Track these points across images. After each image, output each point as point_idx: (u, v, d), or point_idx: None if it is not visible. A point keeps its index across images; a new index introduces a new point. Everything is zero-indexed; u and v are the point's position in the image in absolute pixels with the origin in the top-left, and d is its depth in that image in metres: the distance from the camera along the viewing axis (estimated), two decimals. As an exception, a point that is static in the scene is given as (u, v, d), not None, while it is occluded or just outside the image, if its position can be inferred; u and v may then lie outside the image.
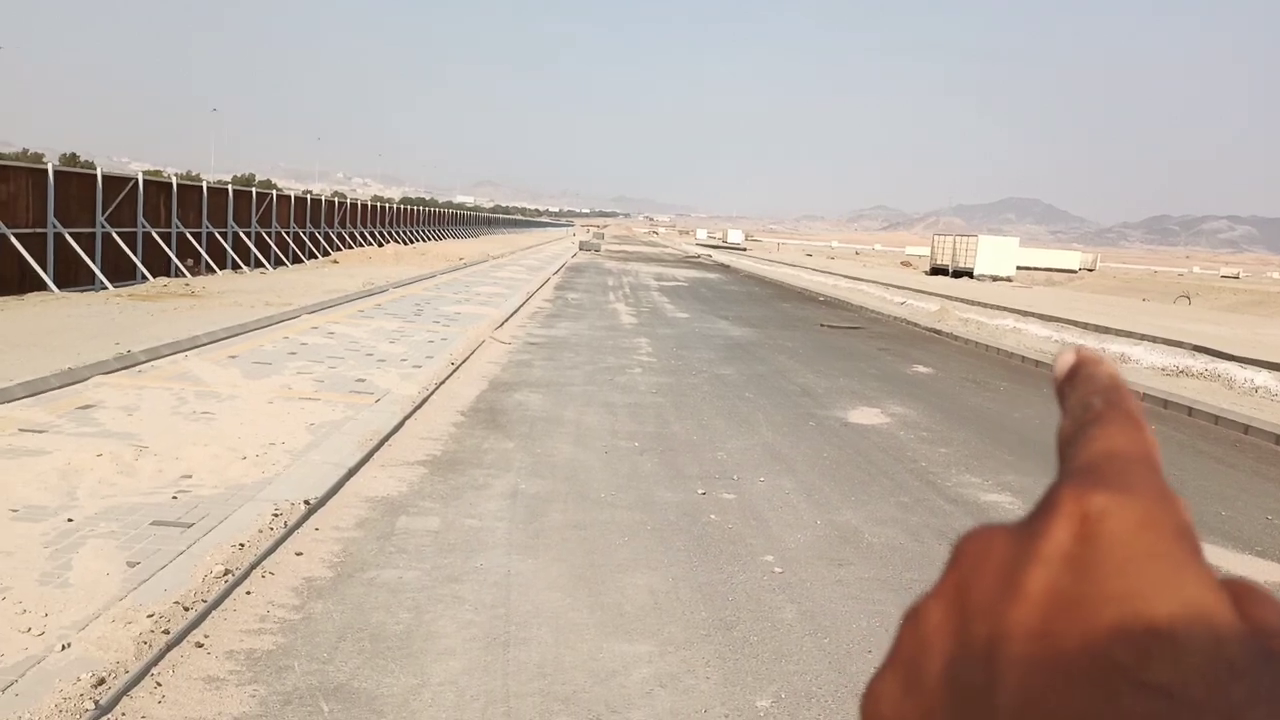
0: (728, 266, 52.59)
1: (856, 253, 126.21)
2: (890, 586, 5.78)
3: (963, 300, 30.15)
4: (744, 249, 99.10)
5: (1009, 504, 7.80)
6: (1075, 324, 23.37)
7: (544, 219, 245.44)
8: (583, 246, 64.22)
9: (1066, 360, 0.33)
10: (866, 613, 5.35)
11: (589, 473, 7.83)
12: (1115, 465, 0.29)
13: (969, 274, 52.18)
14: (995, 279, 50.56)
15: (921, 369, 15.59)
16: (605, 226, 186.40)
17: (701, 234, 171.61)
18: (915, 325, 23.25)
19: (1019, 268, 54.94)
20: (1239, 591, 0.28)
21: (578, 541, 6.19)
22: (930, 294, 32.60)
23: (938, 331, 21.88)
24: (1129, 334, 20.96)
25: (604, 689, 4.31)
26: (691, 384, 12.50)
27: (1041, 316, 24.85)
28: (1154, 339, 19.84)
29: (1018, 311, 26.18)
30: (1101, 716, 0.24)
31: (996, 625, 0.27)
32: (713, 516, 6.87)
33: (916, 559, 6.30)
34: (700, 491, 7.47)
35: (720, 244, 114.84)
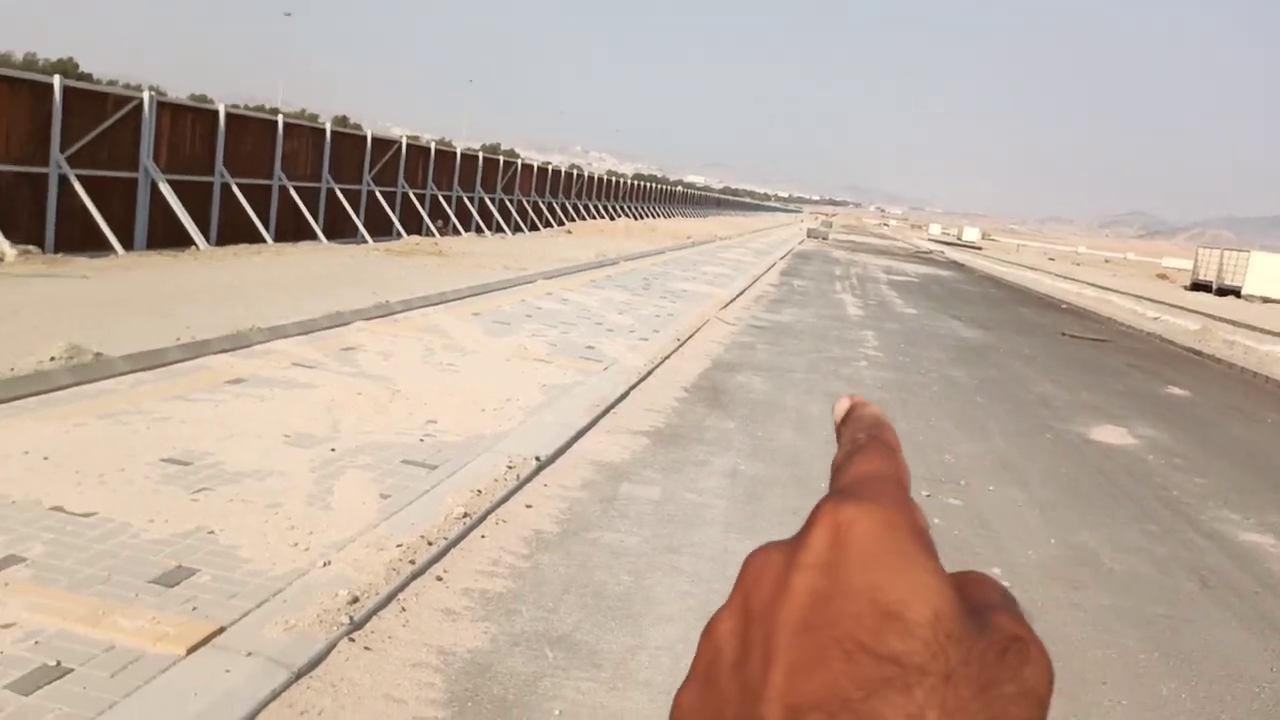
0: (961, 265, 50.42)
1: (1106, 260, 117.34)
2: (1131, 619, 5.38)
3: (1227, 321, 27.51)
4: (979, 248, 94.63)
5: (1272, 546, 7.07)
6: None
7: (772, 203, 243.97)
8: (810, 234, 63.39)
9: (844, 404, 0.40)
10: (1102, 642, 5.01)
11: (810, 461, 7.75)
12: (866, 484, 0.34)
13: (1235, 293, 47.39)
14: (1266, 300, 45.65)
15: (1176, 390, 14.36)
16: (834, 215, 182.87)
17: (935, 229, 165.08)
18: (1171, 343, 21.42)
19: (1296, 290, 49.24)
20: (965, 580, 0.34)
21: (797, 528, 6.13)
22: (1189, 311, 30.00)
23: (1197, 352, 20.06)
24: None
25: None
26: (919, 383, 12.09)
27: (1322, 346, 22.27)
28: None
29: (1293, 338, 23.60)
30: (848, 685, 0.29)
31: (770, 624, 0.32)
32: (937, 521, 6.62)
33: (1164, 593, 5.83)
34: (925, 494, 7.21)
35: (954, 241, 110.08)
